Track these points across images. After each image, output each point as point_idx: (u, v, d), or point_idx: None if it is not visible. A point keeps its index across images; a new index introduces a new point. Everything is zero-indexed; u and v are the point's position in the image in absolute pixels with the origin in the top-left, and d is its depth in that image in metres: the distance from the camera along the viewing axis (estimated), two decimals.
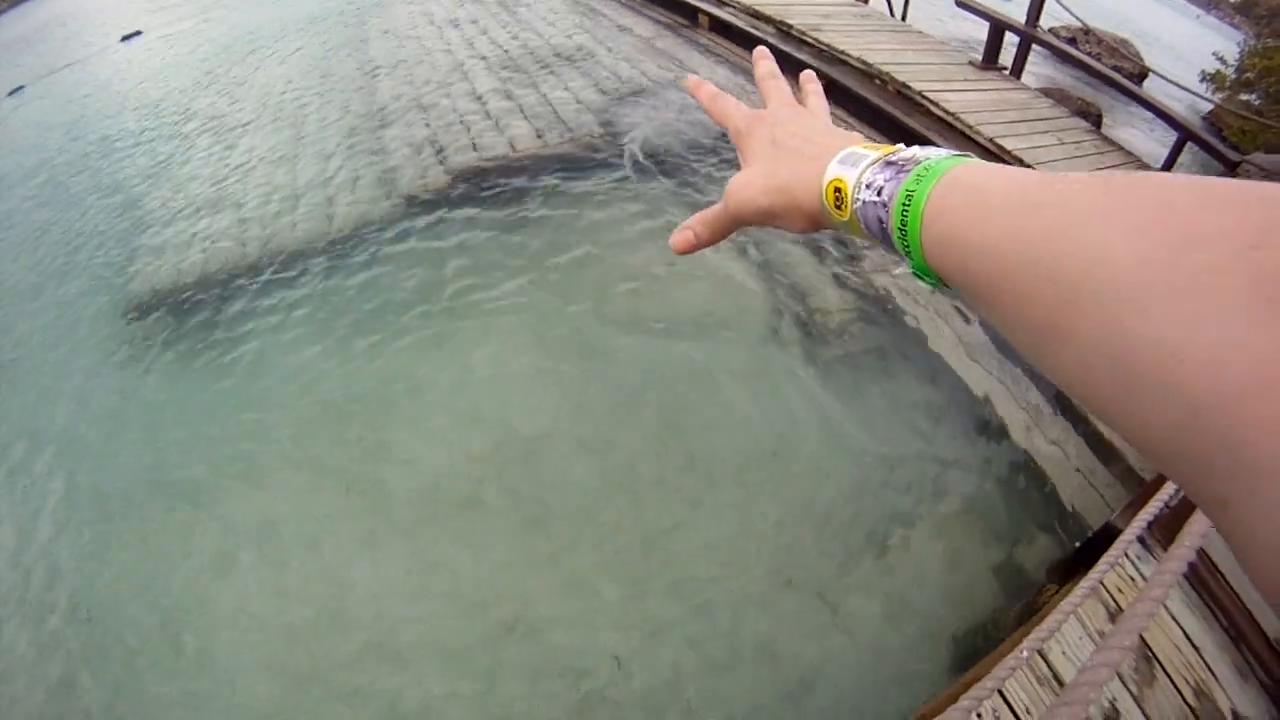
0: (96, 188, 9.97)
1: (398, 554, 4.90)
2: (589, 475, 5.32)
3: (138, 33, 17.86)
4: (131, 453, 5.87)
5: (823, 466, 5.44)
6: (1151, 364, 0.37)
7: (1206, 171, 12.43)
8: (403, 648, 4.46)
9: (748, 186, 0.77)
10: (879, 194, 0.62)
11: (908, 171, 0.60)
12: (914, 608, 4.65)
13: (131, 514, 5.39)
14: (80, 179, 10.51)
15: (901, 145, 0.67)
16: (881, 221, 0.62)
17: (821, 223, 0.72)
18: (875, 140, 0.69)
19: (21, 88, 16.86)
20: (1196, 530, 2.01)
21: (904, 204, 0.58)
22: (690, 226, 0.84)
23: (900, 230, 0.59)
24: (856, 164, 0.66)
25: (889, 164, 0.63)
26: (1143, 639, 3.65)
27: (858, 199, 0.64)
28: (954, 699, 2.78)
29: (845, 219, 0.67)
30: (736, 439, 5.59)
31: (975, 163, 0.58)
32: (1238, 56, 16.68)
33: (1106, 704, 3.34)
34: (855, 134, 0.75)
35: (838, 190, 0.67)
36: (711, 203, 0.82)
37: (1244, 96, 15.71)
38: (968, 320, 6.55)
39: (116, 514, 5.40)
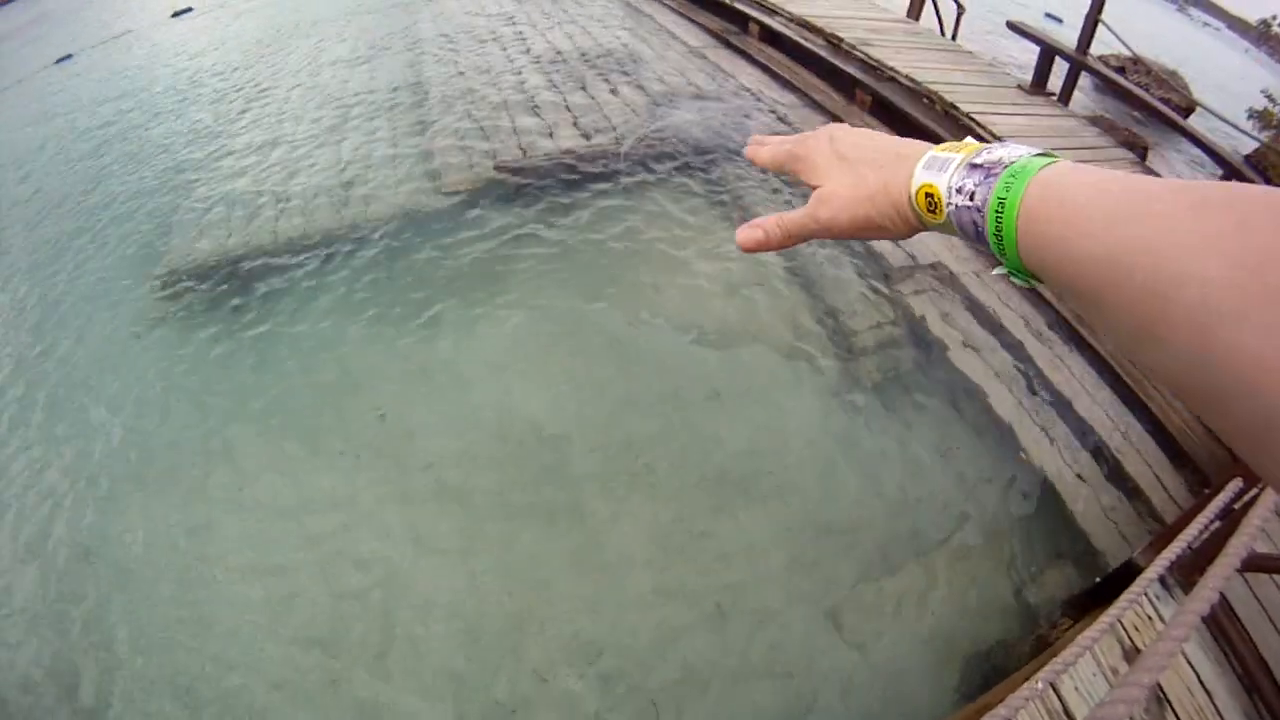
0: (135, 158, 10.06)
1: (407, 535, 4.99)
2: (606, 480, 5.38)
3: (189, 9, 17.99)
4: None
5: (842, 485, 5.48)
6: (1239, 371, 0.42)
7: None
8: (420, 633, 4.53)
9: (835, 198, 0.80)
10: (971, 199, 0.66)
11: (996, 176, 0.64)
12: (927, 631, 4.68)
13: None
14: (121, 147, 10.64)
15: (970, 139, 0.71)
16: (977, 225, 0.66)
17: (918, 227, 0.76)
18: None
19: (70, 56, 17.02)
20: (1220, 574, 2.03)
21: (997, 210, 0.62)
22: (762, 225, 0.86)
23: (996, 235, 0.63)
24: (943, 168, 0.70)
25: (975, 167, 0.67)
26: (1158, 680, 3.66)
27: (951, 204, 0.68)
28: None
29: (940, 222, 0.71)
30: (758, 452, 5.62)
31: (1060, 165, 0.62)
32: None
33: None
34: (914, 140, 0.79)
35: (929, 195, 0.70)
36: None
37: None
38: (996, 347, 6.55)
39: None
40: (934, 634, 4.66)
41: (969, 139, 0.71)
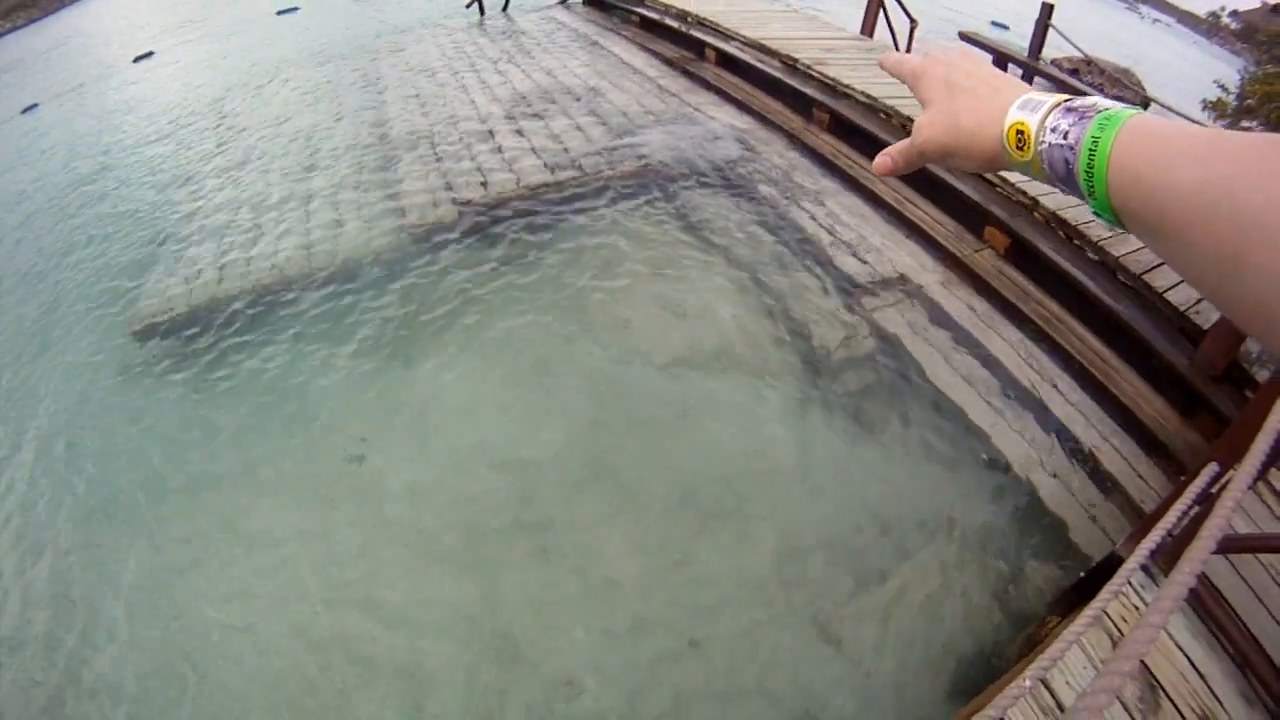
0: (100, 211, 10.03)
1: (404, 576, 4.99)
2: (592, 505, 5.41)
3: (150, 54, 17.97)
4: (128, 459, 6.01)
5: (824, 499, 5.52)
6: None
7: None
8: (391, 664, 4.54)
9: (930, 126, 0.86)
10: (1064, 138, 0.70)
11: (1090, 118, 0.68)
12: (916, 638, 4.71)
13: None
14: (86, 198, 10.63)
15: (1066, 95, 0.75)
16: (1068, 163, 0.70)
17: (999, 163, 0.81)
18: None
19: (35, 105, 17.02)
20: (1196, 557, 2.07)
21: (1090, 149, 0.67)
22: (889, 153, 0.93)
23: (1087, 172, 0.67)
24: (1037, 109, 0.74)
25: (1070, 110, 0.71)
26: (1147, 667, 3.70)
27: (1043, 142, 0.73)
28: None
29: (1027, 159, 0.75)
30: (739, 472, 5.66)
31: (1147, 114, 0.66)
32: (1238, 83, 16.75)
33: None
34: (1021, 81, 0.84)
35: (1020, 133, 0.75)
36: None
37: (1246, 123, 15.77)
38: (964, 354, 6.64)
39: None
40: (924, 642, 4.69)
41: (1065, 95, 0.75)
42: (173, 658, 4.72)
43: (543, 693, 4.44)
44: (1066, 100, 0.73)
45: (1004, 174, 8.15)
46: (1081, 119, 0.69)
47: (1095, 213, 0.70)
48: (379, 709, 4.41)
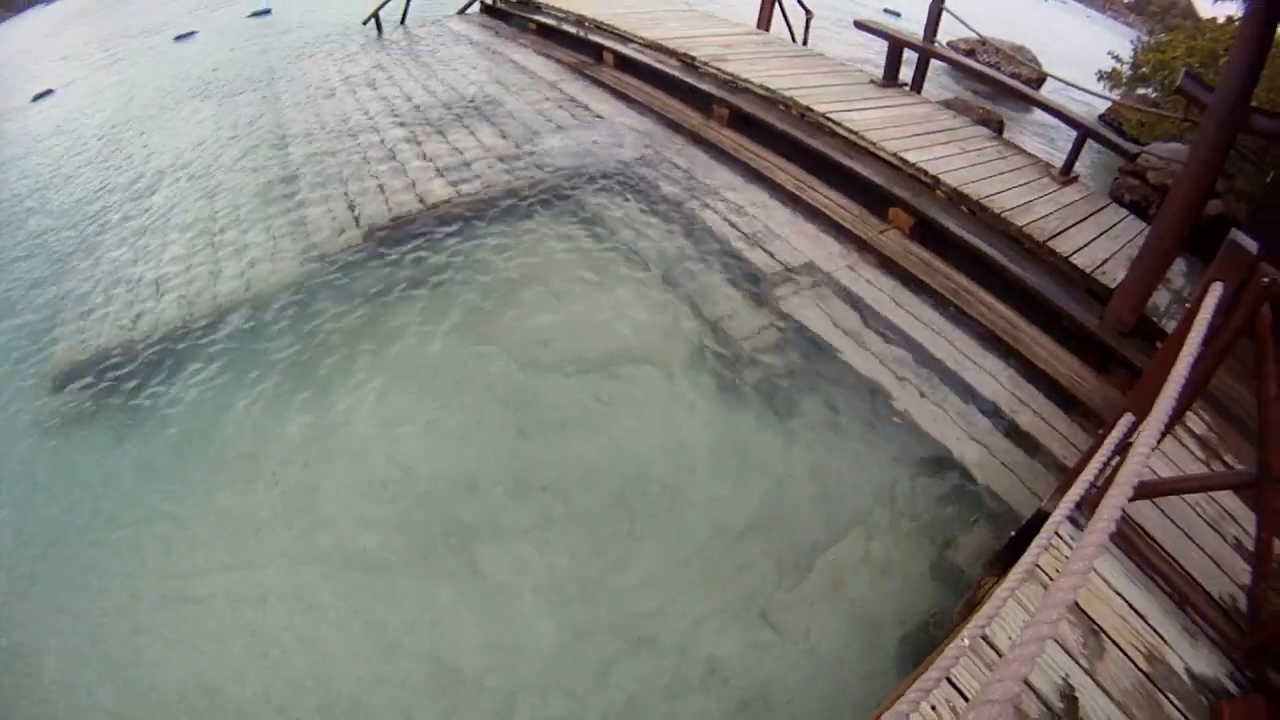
0: (7, 256, 9.76)
1: (328, 606, 4.86)
2: (521, 516, 5.31)
3: (49, 91, 17.50)
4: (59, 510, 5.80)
5: (752, 488, 5.50)
6: None
7: (1108, 165, 12.77)
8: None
9: None
10: None
11: None
12: (857, 616, 4.71)
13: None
14: None
15: None
16: None
17: None
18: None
19: None
20: (1114, 503, 2.07)
21: None
22: None
23: None
24: None
25: None
26: (1087, 614, 3.74)
27: None
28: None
29: None
30: (661, 470, 5.62)
31: None
32: (1132, 53, 17.09)
33: (1060, 680, 3.41)
34: None
35: None
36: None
37: (1141, 91, 16.10)
38: (876, 335, 6.69)
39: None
40: (866, 618, 4.70)
41: None
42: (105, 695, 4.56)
43: (491, 710, 4.34)
44: None
45: (904, 154, 8.28)
46: None
47: None
48: None
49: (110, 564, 5.27)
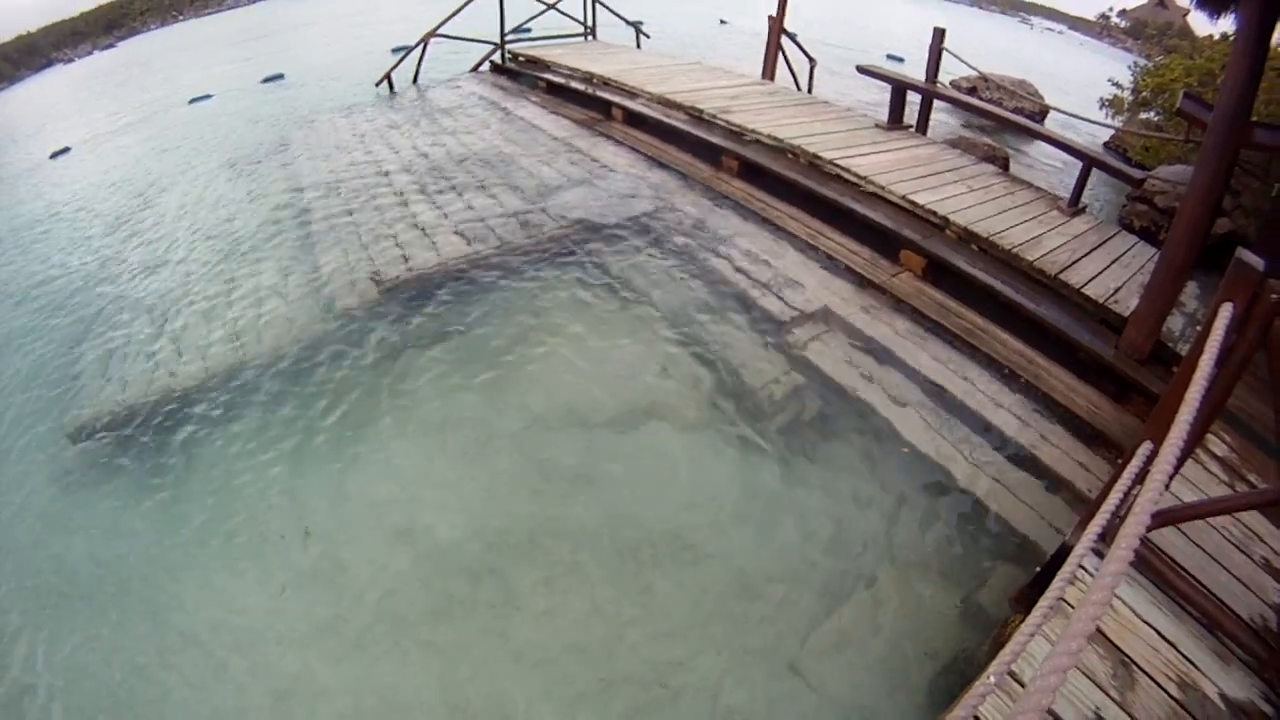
0: (23, 322, 9.82)
1: (359, 665, 4.87)
2: (542, 572, 5.33)
3: (66, 149, 17.63)
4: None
5: (773, 535, 5.52)
6: None
7: (1115, 193, 12.82)
8: None
9: None
10: None
11: None
12: (885, 659, 4.71)
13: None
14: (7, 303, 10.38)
15: None
16: None
17: None
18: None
19: None
20: (1133, 531, 2.12)
21: None
22: None
23: None
24: None
25: None
26: (1117, 646, 3.75)
27: None
28: None
29: None
30: (685, 522, 5.65)
31: None
32: (1132, 79, 17.18)
33: (1091, 714, 3.42)
34: None
35: None
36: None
37: (1144, 115, 16.18)
38: (895, 377, 6.73)
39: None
40: (894, 662, 4.69)
41: None
42: None
43: None
44: None
45: (912, 196, 8.37)
46: None
47: None
48: None
49: (122, 620, 5.34)
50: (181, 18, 39.14)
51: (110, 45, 34.30)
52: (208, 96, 19.71)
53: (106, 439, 6.86)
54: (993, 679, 2.52)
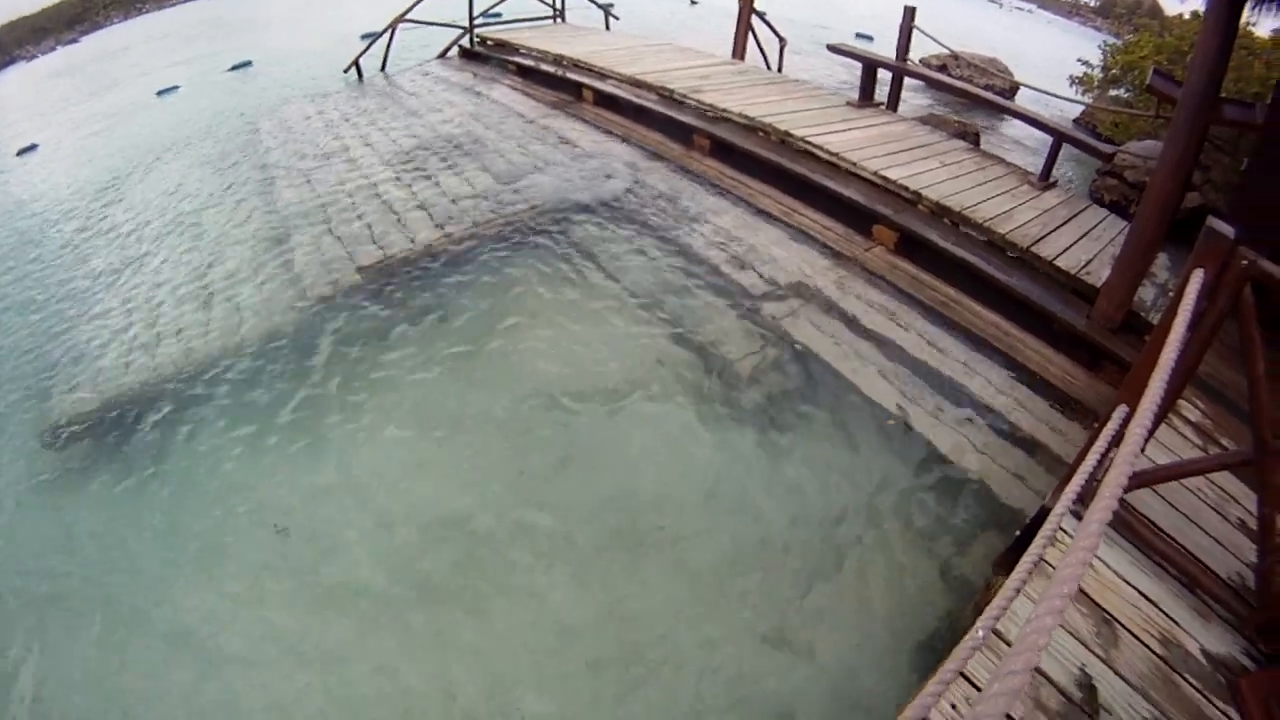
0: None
1: (333, 645, 4.86)
2: (526, 553, 5.32)
3: (33, 146, 17.41)
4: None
5: (755, 509, 5.53)
6: None
7: (1085, 168, 12.90)
8: None
9: None
10: None
11: None
12: (871, 626, 4.74)
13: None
14: None
15: None
16: None
17: None
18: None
19: None
20: (1109, 491, 2.12)
21: None
22: None
23: None
24: None
25: None
26: (1099, 605, 3.78)
27: None
28: None
29: None
30: (667, 498, 5.65)
31: None
32: (1101, 57, 17.26)
33: (1077, 671, 3.43)
34: None
35: None
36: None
37: (1113, 92, 16.27)
38: (871, 348, 6.75)
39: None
40: (880, 629, 4.73)
41: None
42: None
43: None
44: None
45: (884, 172, 8.39)
46: None
47: None
48: None
49: (110, 618, 5.29)
50: (146, 10, 38.66)
51: (74, 40, 33.79)
52: (175, 88, 19.50)
53: (80, 437, 6.79)
54: (980, 633, 2.53)
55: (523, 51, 15.23)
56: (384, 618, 5.00)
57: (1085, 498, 4.01)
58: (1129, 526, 4.21)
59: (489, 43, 16.46)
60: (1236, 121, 6.24)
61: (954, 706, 3.23)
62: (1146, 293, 6.85)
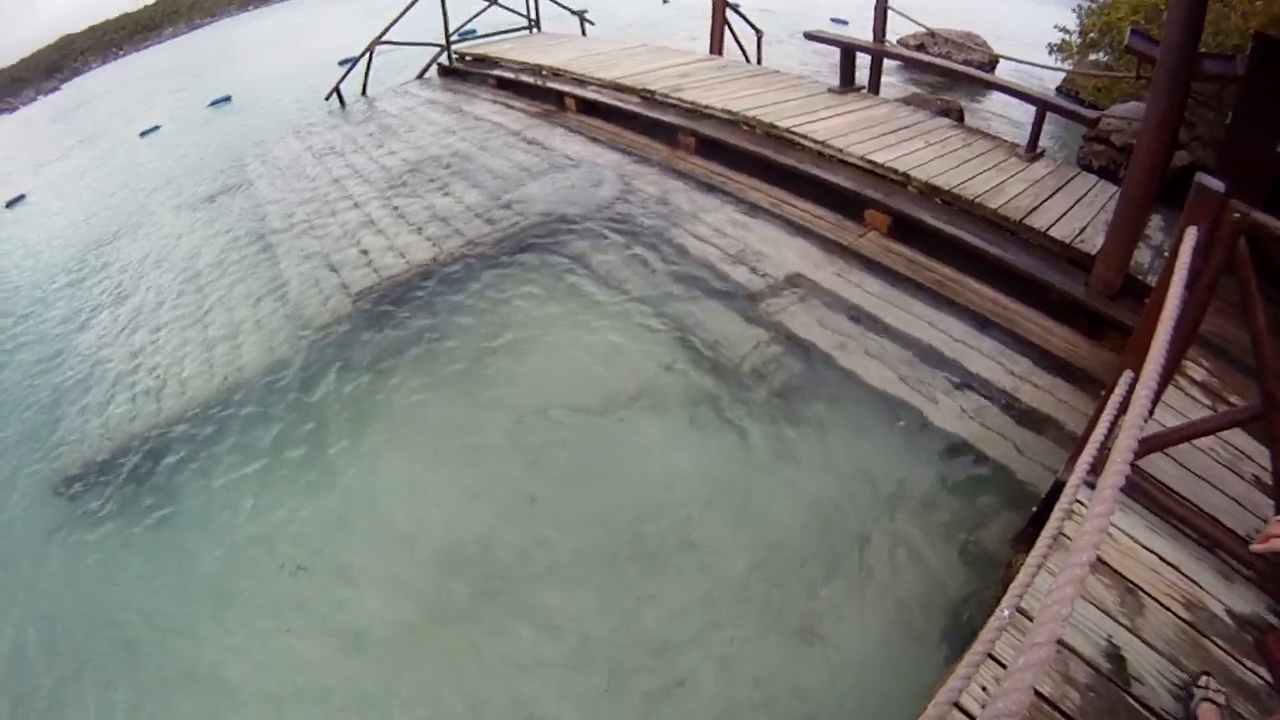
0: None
1: (357, 675, 4.86)
2: (542, 568, 5.30)
3: (21, 197, 17.41)
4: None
5: (769, 505, 5.52)
6: None
7: (1071, 135, 12.88)
8: None
9: None
10: None
11: None
12: (895, 614, 4.73)
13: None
14: None
15: None
16: None
17: None
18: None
19: None
20: (1123, 452, 2.12)
21: None
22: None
23: None
24: None
25: None
26: (1121, 573, 3.77)
27: None
28: None
29: None
30: (680, 501, 5.63)
31: None
32: (1078, 22, 17.21)
33: (1104, 642, 3.44)
34: None
35: None
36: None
37: (1093, 57, 16.21)
38: (871, 335, 6.76)
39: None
40: (904, 616, 4.71)
41: None
42: None
43: None
44: None
45: (871, 156, 8.38)
46: None
47: None
48: None
49: (126, 669, 5.28)
50: (122, 53, 38.74)
51: (54, 89, 33.91)
52: (157, 128, 19.54)
53: (90, 485, 6.80)
54: (1006, 613, 2.54)
55: (502, 64, 15.19)
56: (406, 644, 4.99)
57: (1098, 467, 3.99)
58: (1144, 492, 4.20)
59: (467, 58, 16.44)
60: (1218, 75, 6.24)
61: (984, 688, 3.22)
62: (1143, 256, 6.84)
